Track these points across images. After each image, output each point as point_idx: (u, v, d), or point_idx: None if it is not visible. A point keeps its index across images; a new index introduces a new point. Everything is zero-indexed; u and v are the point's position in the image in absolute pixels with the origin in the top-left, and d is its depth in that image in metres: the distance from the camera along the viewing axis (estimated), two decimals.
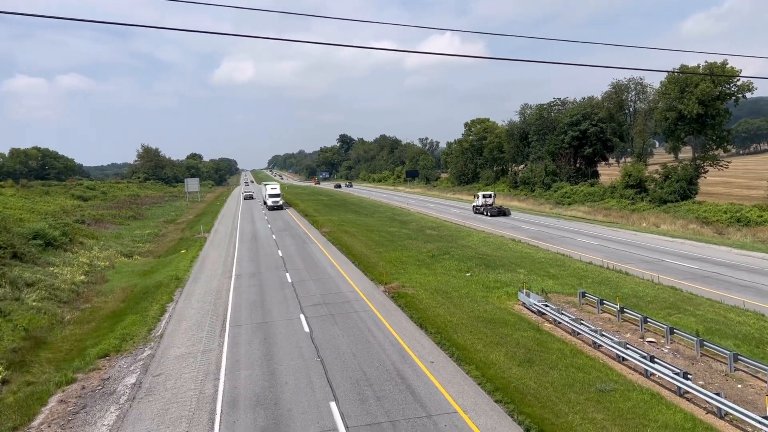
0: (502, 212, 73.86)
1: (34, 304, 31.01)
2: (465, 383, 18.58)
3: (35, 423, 17.92)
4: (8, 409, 18.89)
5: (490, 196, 77.19)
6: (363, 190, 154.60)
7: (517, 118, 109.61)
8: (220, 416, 16.76)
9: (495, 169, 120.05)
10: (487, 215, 73.74)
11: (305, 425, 15.88)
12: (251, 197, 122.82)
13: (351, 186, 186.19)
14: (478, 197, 78.56)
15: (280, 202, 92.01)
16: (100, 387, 20.39)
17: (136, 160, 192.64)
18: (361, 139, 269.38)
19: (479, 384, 18.47)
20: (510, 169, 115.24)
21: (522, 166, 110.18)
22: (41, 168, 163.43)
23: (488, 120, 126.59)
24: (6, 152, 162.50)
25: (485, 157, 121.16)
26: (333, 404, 17.10)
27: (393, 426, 15.59)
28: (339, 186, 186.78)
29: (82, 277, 39.23)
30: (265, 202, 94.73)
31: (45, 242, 45.30)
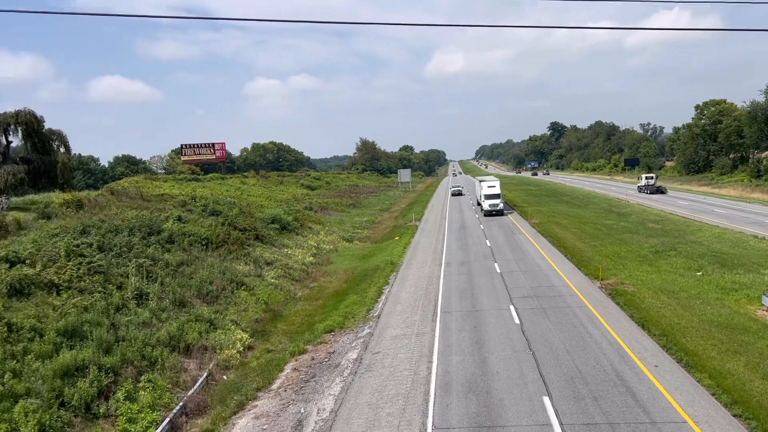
0: (659, 191, 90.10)
1: (272, 281, 35.05)
2: (695, 392, 16.85)
3: (274, 386, 20.29)
4: (253, 372, 21.66)
5: (651, 177, 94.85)
6: (575, 180, 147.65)
7: (761, 98, 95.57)
8: (434, 398, 17.34)
9: (732, 156, 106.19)
10: (647, 193, 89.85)
11: (518, 417, 15.74)
12: (459, 193, 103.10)
13: (548, 174, 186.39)
14: (641, 179, 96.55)
15: (500, 206, 65.42)
16: (326, 359, 22.39)
17: (355, 153, 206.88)
18: (574, 126, 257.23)
19: (713, 394, 16.62)
20: (751, 156, 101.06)
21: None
22: (276, 160, 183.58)
23: (724, 101, 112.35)
24: (249, 146, 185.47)
25: (720, 143, 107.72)
26: (546, 399, 16.69)
27: (612, 429, 14.73)
28: (535, 174, 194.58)
29: (311, 258, 43.38)
30: (479, 203, 71.90)
31: (281, 226, 50.93)
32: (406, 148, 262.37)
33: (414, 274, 36.27)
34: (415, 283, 33.85)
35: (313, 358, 22.67)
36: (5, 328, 18.59)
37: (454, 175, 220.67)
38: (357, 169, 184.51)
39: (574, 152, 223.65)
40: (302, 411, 17.69)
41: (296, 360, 22.72)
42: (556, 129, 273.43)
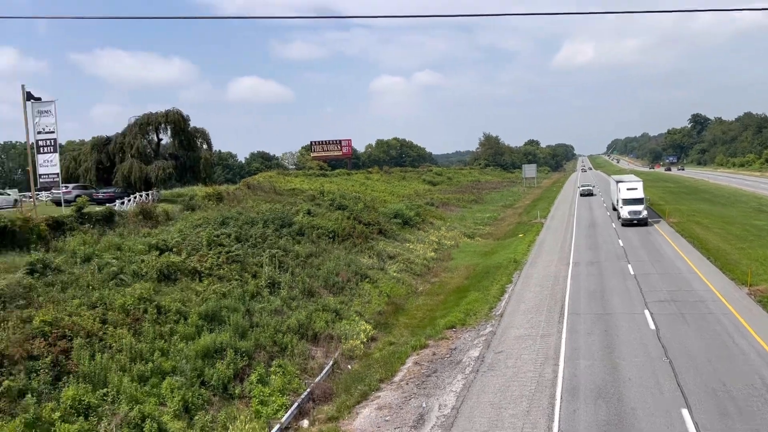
0: None
1: (394, 274, 35.58)
2: None
3: (396, 378, 20.56)
4: (376, 364, 22.09)
5: None
6: (719, 176, 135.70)
7: None
8: (560, 402, 16.71)
9: None
10: None
11: (652, 429, 14.74)
12: (590, 194, 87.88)
13: (683, 170, 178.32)
14: None
15: (643, 213, 51.72)
16: (447, 355, 22.34)
17: (477, 148, 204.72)
18: (719, 118, 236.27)
19: None
20: None
21: None
22: (399, 156, 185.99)
23: None
24: (373, 143, 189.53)
25: None
26: (685, 412, 15.49)
27: None
28: (669, 169, 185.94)
29: (432, 253, 43.53)
30: (614, 208, 59.82)
31: (403, 221, 51.59)
32: (532, 143, 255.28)
33: (539, 273, 35.21)
34: (540, 282, 32.85)
35: (434, 353, 22.72)
36: (155, 311, 20.37)
37: (583, 170, 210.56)
38: (479, 164, 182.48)
39: (719, 146, 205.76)
40: (424, 405, 17.77)
41: (418, 354, 22.87)
42: (698, 121, 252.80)
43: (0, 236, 23.02)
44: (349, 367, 22.25)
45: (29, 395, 14.17)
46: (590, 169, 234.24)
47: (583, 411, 16.05)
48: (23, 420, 13.47)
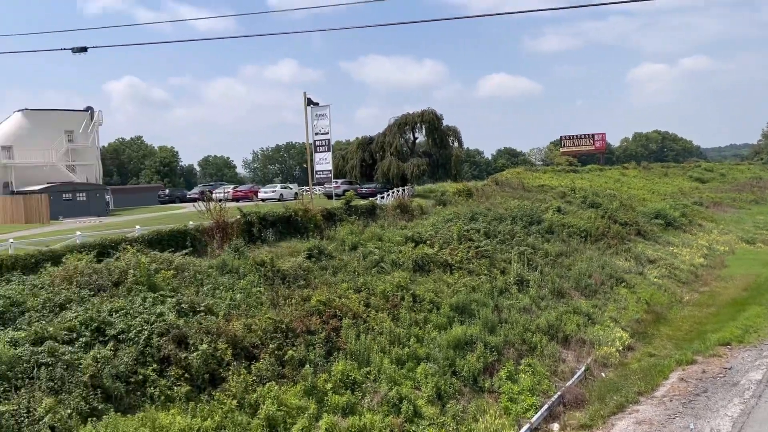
0: None
1: (654, 280, 32.61)
2: None
3: (657, 393, 18.82)
4: (633, 375, 20.49)
5: None
6: None
7: None
8: None
9: None
10: None
11: None
12: None
13: None
14: None
15: None
16: (721, 375, 19.77)
17: (759, 140, 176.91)
18: None
19: None
20: None
21: None
22: (660, 150, 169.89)
23: None
24: (629, 136, 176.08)
25: None
26: None
27: None
28: None
29: (701, 259, 38.92)
30: None
31: (665, 222, 46.95)
32: None
33: None
34: None
35: (704, 371, 20.27)
36: (411, 298, 21.59)
37: None
38: (761, 159, 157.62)
39: None
40: (691, 427, 15.94)
41: (683, 370, 20.65)
42: None
43: (286, 224, 26.62)
44: (603, 374, 21.00)
45: (307, 365, 16.08)
46: None
47: None
48: (303, 387, 15.35)
